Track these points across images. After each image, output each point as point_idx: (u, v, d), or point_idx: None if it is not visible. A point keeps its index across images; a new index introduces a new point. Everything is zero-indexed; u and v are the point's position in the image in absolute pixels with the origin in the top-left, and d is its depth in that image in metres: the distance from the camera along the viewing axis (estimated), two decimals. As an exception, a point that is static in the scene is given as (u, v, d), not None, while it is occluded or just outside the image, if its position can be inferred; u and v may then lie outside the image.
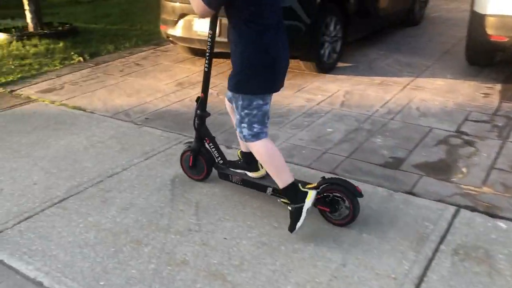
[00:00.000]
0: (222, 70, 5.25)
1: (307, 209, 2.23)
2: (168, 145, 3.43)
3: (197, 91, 4.60)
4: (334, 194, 2.33)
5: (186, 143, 2.95)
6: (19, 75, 5.15)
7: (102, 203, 2.68)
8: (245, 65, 2.18)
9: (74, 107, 4.25)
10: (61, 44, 6.19)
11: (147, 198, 2.73)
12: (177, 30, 4.95)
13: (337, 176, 2.65)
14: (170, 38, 5.18)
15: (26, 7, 6.60)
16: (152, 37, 6.92)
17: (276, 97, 4.34)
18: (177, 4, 4.87)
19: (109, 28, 7.51)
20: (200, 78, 5.15)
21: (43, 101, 4.43)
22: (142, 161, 3.17)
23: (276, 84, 2.25)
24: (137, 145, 3.44)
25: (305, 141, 3.45)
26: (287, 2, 4.45)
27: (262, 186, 2.57)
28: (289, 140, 3.47)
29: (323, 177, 2.40)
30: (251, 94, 2.21)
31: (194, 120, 2.68)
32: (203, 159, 2.78)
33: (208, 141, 2.73)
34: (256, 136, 2.29)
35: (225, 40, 4.54)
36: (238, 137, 2.44)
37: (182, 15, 4.86)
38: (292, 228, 2.27)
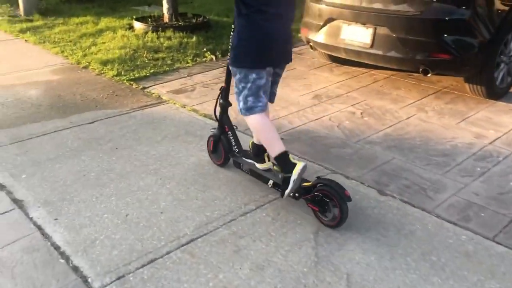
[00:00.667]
0: (366, 82, 4.61)
1: (294, 179, 2.36)
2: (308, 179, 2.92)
3: (336, 108, 4.03)
4: (323, 194, 2.38)
5: (212, 129, 3.07)
6: (151, 71, 5.01)
7: (234, 253, 2.26)
8: (240, 40, 2.35)
9: (205, 115, 3.94)
10: (194, 39, 5.99)
11: (286, 255, 2.24)
12: (321, 36, 4.40)
13: (330, 178, 2.50)
14: (311, 44, 4.65)
15: (165, -2, 6.53)
16: (285, 36, 6.47)
17: (434, 126, 3.69)
18: (325, 7, 4.31)
19: (241, 22, 7.22)
20: (340, 90, 4.59)
21: (174, 103, 4.20)
22: (278, 197, 2.70)
23: (269, 60, 2.39)
24: (272, 174, 2.99)
25: (482, 197, 2.71)
26: (456, 14, 3.66)
27: (265, 178, 2.70)
28: (460, 193, 2.76)
29: (318, 177, 2.55)
30: (246, 68, 2.37)
31: (215, 108, 2.93)
32: (222, 146, 2.95)
33: (227, 130, 2.89)
34: (250, 110, 2.44)
35: (379, 52, 3.97)
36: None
37: (329, 20, 4.29)
38: (282, 194, 2.46)
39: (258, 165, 2.76)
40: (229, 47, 2.45)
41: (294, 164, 2.39)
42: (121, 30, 6.43)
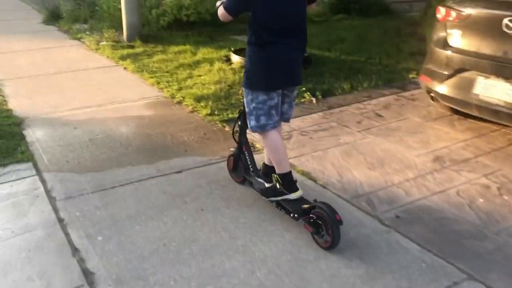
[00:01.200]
0: (498, 144, 3.81)
1: (288, 198, 2.67)
2: (433, 284, 2.26)
3: (465, 178, 3.31)
4: (317, 217, 2.49)
5: (232, 149, 3.23)
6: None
7: None
8: (251, 65, 2.60)
9: (303, 173, 3.42)
10: (293, 76, 5.55)
11: None
12: (447, 88, 3.72)
13: (325, 202, 2.58)
14: (432, 94, 3.97)
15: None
16: (394, 77, 5.79)
17: None
18: (455, 55, 3.63)
19: (344, 58, 6.67)
20: (466, 152, 3.65)
21: (269, 154, 3.74)
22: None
23: (277, 83, 2.61)
24: (388, 272, 2.36)
25: None
26: None
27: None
28: None
29: (315, 200, 2.62)
30: (257, 90, 2.60)
31: (233, 129, 3.15)
32: (241, 165, 3.11)
33: (244, 150, 3.05)
34: (262, 127, 2.67)
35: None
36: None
37: (459, 70, 3.60)
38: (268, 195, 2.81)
39: (267, 185, 2.86)
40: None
41: (294, 187, 2.68)
42: (218, 63, 6.18)
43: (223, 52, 6.78)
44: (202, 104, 4.81)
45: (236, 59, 6.16)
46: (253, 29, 2.53)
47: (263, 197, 2.88)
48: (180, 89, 5.33)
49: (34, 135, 4.10)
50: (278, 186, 2.72)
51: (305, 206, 2.60)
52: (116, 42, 7.70)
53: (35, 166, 3.52)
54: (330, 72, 5.90)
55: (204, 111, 4.63)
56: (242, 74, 5.56)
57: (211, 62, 6.29)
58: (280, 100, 2.68)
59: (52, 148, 3.83)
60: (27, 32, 8.76)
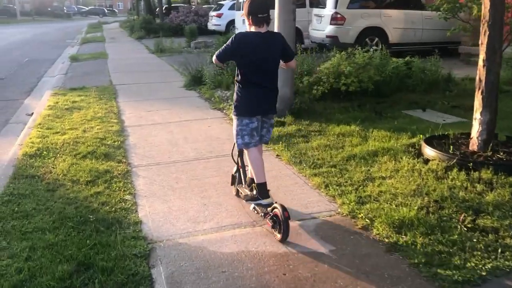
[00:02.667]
0: None
1: (260, 203, 3.45)
2: None
3: None
4: (274, 214, 3.26)
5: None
6: (486, 266, 2.82)
7: None
8: (237, 97, 3.52)
9: None
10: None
11: None
12: None
13: (280, 203, 3.30)
14: None
15: (477, 114, 4.40)
16: None
17: None
18: None
19: None
20: None
21: None
22: None
23: (256, 111, 3.49)
24: None
25: None
26: None
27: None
28: None
29: (276, 202, 3.38)
30: (242, 115, 3.51)
31: (232, 151, 3.95)
32: (237, 179, 3.95)
33: (240, 167, 3.84)
34: (246, 145, 3.52)
35: None
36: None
37: None
38: (246, 198, 3.66)
39: (249, 193, 3.65)
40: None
41: (268, 198, 3.45)
42: (406, 157, 4.51)
43: (406, 139, 5.11)
44: (405, 237, 3.14)
45: (431, 153, 4.43)
46: (239, 71, 3.51)
47: (244, 201, 3.72)
48: (360, 201, 3.75)
49: (165, 282, 2.79)
50: (254, 193, 3.51)
51: (269, 208, 3.36)
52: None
53: None
54: None
55: (413, 259, 2.93)
56: (451, 182, 3.83)
57: (393, 154, 4.65)
58: (259, 125, 3.56)
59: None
60: (167, 98, 8.08)
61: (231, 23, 21.33)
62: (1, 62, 14.43)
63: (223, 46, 3.45)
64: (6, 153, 5.32)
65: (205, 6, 29.06)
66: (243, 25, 14.24)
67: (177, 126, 6.28)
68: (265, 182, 3.46)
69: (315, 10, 13.12)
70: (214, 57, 3.52)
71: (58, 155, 5.02)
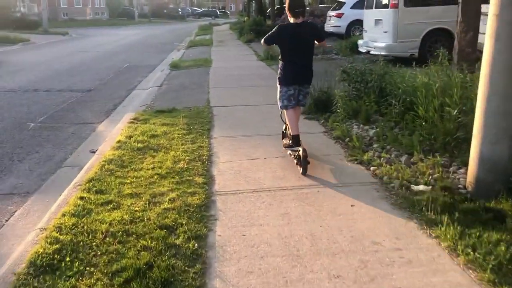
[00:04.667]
0: None
1: (293, 149, 4.49)
2: None
3: None
4: (296, 155, 4.40)
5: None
6: None
7: None
8: (280, 71, 4.64)
9: None
10: None
11: None
12: None
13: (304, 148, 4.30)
14: None
15: None
16: None
17: None
18: None
19: None
20: None
21: None
22: None
23: (291, 82, 4.54)
24: None
25: None
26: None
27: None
28: None
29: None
30: (282, 85, 4.60)
31: (281, 114, 5.15)
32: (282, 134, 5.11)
33: (286, 124, 4.88)
34: (285, 107, 4.59)
35: None
36: None
37: None
38: (285, 146, 4.77)
39: (286, 141, 4.84)
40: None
41: (299, 145, 4.42)
42: None
43: None
44: None
45: None
46: (281, 51, 4.65)
47: (283, 147, 4.79)
48: None
49: None
50: (290, 142, 4.58)
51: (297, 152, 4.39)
52: (446, 190, 3.68)
53: None
54: None
55: None
56: None
57: None
58: (295, 92, 4.57)
59: None
60: (280, 135, 5.55)
61: (353, 24, 18.39)
62: (99, 69, 13.20)
63: (269, 33, 4.66)
64: (23, 240, 3.22)
65: (322, 5, 26.35)
66: (375, 26, 11.39)
67: (295, 200, 3.74)
68: (298, 135, 4.48)
69: None
70: (262, 41, 4.76)
71: (85, 268, 2.76)
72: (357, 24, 18.30)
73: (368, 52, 11.73)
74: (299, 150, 4.25)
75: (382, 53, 11.01)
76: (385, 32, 10.78)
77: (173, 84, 9.84)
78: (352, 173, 4.32)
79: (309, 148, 4.53)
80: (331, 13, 19.11)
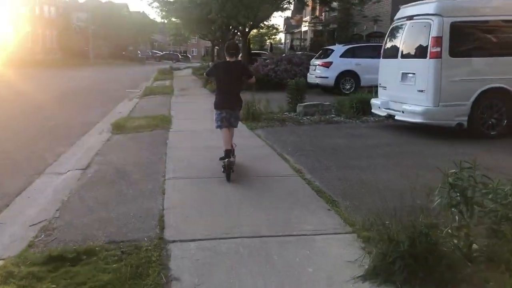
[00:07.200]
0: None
1: (224, 161, 5.35)
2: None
3: None
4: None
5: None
6: None
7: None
8: (215, 99, 5.93)
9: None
10: None
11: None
12: None
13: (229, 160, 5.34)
14: None
15: None
16: None
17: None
18: None
19: None
20: None
21: None
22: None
23: (220, 107, 5.73)
24: None
25: None
26: None
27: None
28: None
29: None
30: (215, 109, 5.82)
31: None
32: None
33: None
34: (219, 127, 5.71)
35: None
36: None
37: None
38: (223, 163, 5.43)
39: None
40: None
41: (228, 157, 5.34)
42: None
43: None
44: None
45: None
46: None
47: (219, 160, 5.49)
48: None
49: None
50: (223, 155, 5.42)
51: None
52: None
53: None
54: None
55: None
56: None
57: None
58: (225, 115, 5.69)
59: None
60: None
61: (343, 76, 15.47)
62: (11, 133, 9.31)
63: (209, 68, 7.31)
64: None
65: (299, 53, 23.64)
66: (403, 82, 8.24)
67: None
68: (229, 149, 5.45)
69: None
70: (205, 73, 6.95)
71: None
72: (347, 75, 15.44)
73: (390, 116, 8.56)
74: (226, 161, 5.31)
75: (416, 120, 7.84)
76: (420, 91, 7.64)
77: (107, 165, 6.14)
78: None
79: None
80: (316, 61, 16.18)
